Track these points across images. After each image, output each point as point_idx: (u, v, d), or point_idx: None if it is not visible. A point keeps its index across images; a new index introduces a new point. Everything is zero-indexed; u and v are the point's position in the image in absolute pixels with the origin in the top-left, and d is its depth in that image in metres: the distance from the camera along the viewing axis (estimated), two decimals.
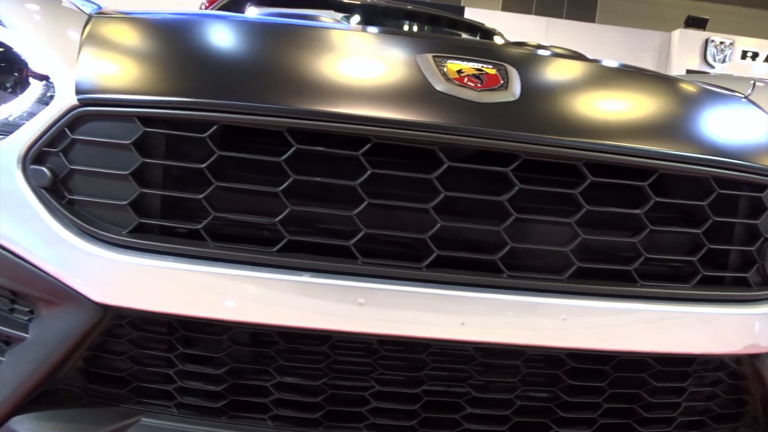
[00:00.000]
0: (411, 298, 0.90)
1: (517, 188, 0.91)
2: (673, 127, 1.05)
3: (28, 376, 0.95)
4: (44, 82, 1.01)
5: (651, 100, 1.14)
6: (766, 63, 12.14)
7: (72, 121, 0.91)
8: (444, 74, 0.96)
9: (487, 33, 3.17)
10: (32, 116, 1.00)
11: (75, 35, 1.05)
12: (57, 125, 0.91)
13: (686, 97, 1.18)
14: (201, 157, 0.90)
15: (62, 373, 0.96)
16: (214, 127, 0.88)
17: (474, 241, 0.93)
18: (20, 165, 0.93)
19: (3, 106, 1.04)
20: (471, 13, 9.60)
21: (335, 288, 0.89)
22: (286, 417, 0.97)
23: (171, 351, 0.96)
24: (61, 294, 0.92)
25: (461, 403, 0.99)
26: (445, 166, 0.89)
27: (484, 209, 0.92)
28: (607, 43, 11.32)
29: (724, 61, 12.16)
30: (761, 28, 13.03)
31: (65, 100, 0.92)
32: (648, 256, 0.96)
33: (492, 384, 1.00)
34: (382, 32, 1.25)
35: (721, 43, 12.06)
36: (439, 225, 0.90)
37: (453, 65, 0.99)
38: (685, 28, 12.18)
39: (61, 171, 0.91)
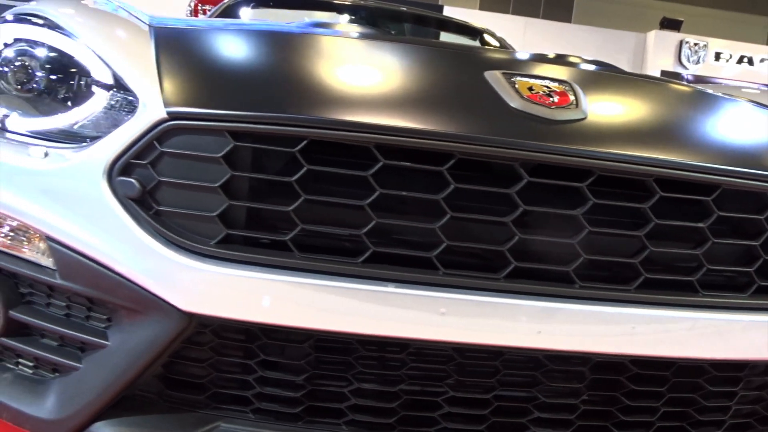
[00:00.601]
0: (490, 308, 0.93)
1: (591, 203, 0.95)
2: (733, 144, 1.10)
3: (110, 382, 0.97)
4: (111, 91, 1.03)
5: (710, 117, 1.19)
6: (738, 65, 12.40)
7: (161, 134, 0.92)
8: (517, 91, 1.00)
9: (477, 32, 3.22)
10: (99, 125, 1.02)
11: (146, 46, 1.07)
12: (146, 138, 0.93)
13: (741, 115, 1.23)
14: (286, 169, 0.92)
15: (142, 379, 0.98)
16: (304, 142, 0.90)
17: (549, 253, 0.97)
18: (106, 176, 0.94)
19: (64, 114, 1.05)
20: (449, 12, 9.64)
21: (419, 298, 0.92)
22: (361, 422, 1.00)
23: (251, 358, 0.99)
24: (146, 302, 0.94)
25: (530, 407, 1.03)
26: (525, 181, 0.93)
27: (559, 222, 0.96)
28: (583, 43, 11.45)
29: (698, 62, 12.39)
30: (734, 30, 13.31)
31: (153, 113, 0.94)
32: (710, 267, 1.01)
33: (560, 389, 1.04)
34: (449, 49, 1.28)
35: (696, 44, 12.28)
36: (517, 238, 0.93)
37: (523, 82, 1.02)
38: (660, 29, 12.38)
39: (148, 182, 0.93)
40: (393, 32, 3.20)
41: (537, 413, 1.03)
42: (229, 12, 3.04)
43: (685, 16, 12.90)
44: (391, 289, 0.91)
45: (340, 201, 0.92)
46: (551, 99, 1.00)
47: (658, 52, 12.34)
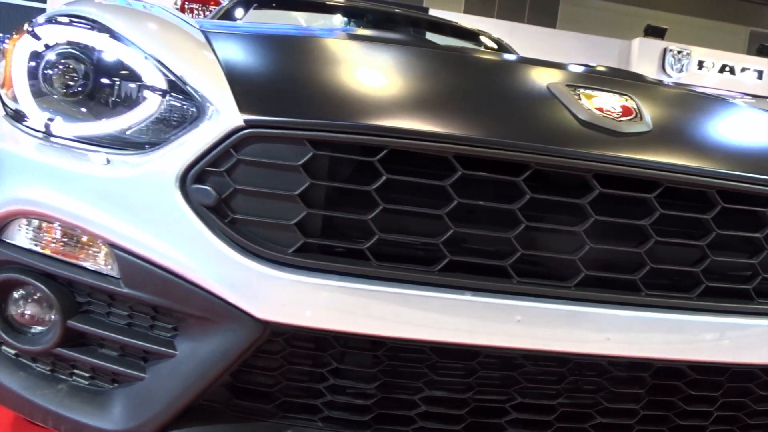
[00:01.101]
0: (563, 316, 0.95)
1: (658, 213, 0.97)
2: None
3: (180, 392, 0.97)
4: (168, 97, 1.02)
5: (765, 131, 1.22)
6: (720, 74, 12.59)
7: (238, 142, 0.93)
8: (583, 103, 1.02)
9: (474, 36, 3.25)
10: (157, 131, 1.02)
11: (206, 52, 1.07)
12: (222, 146, 0.93)
13: None
14: (364, 178, 0.93)
15: (212, 389, 0.98)
16: (384, 151, 0.91)
17: (616, 262, 0.98)
18: (179, 184, 0.94)
19: (114, 119, 1.05)
20: (434, 14, 9.69)
21: (495, 306, 0.93)
22: (430, 429, 1.01)
23: (323, 366, 0.99)
24: (220, 311, 0.94)
25: (592, 413, 1.04)
26: (597, 192, 0.94)
27: (625, 232, 0.98)
28: (568, 49, 11.57)
29: (681, 70, 12.57)
30: (716, 39, 13.51)
31: (228, 121, 0.94)
32: (764, 276, 1.03)
33: (620, 395, 1.05)
34: (509, 60, 1.30)
35: (679, 52, 12.45)
36: (588, 247, 0.95)
37: (587, 94, 1.04)
38: (644, 36, 12.54)
39: (224, 190, 0.93)
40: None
41: (600, 419, 1.04)
42: (231, 12, 3.03)
43: (669, 24, 13.08)
44: (468, 297, 0.93)
45: (418, 210, 0.93)
46: (616, 111, 1.02)
47: (642, 59, 12.50)
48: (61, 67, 1.10)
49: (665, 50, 12.41)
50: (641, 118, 1.03)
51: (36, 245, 1.05)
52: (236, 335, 0.95)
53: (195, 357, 0.97)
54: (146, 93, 1.04)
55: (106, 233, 0.98)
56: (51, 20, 1.15)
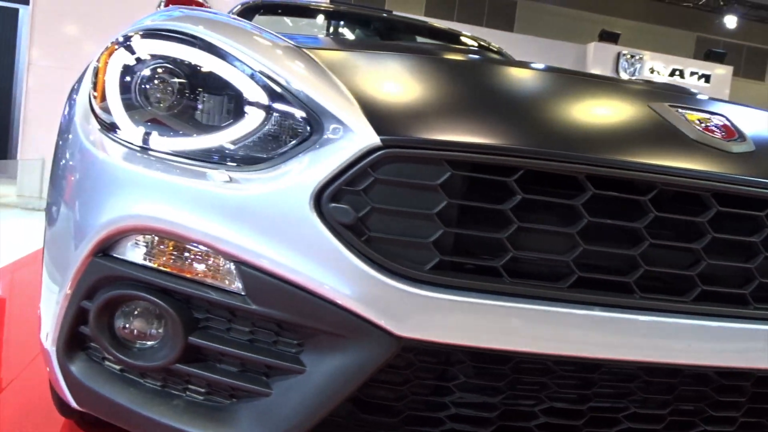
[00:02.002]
0: (680, 330, 0.99)
1: None
2: None
3: (314, 408, 0.97)
4: (274, 114, 1.03)
5: None
6: (670, 77, 13.01)
7: (376, 161, 0.94)
8: (691, 124, 1.06)
9: (496, 53, 3.31)
10: (267, 147, 1.03)
11: (318, 69, 1.08)
12: (359, 165, 0.94)
13: None
14: (498, 197, 0.95)
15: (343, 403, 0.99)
16: (521, 172, 0.94)
17: (728, 278, 1.03)
18: (313, 202, 0.95)
19: (219, 134, 1.06)
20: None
21: (623, 321, 0.97)
22: None
23: (449, 380, 1.01)
24: (354, 327, 0.95)
25: (697, 421, 1.09)
26: (715, 210, 0.99)
27: (738, 249, 1.03)
28: (525, 52, 11.75)
29: (634, 74, 12.95)
30: (665, 44, 13.95)
31: (363, 140, 0.95)
32: None
33: (723, 404, 1.10)
34: (615, 81, 1.34)
35: (632, 56, 12.82)
36: (705, 263, 1.00)
37: (691, 115, 1.09)
38: (599, 41, 12.87)
39: (360, 209, 0.95)
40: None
41: (703, 426, 1.09)
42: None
43: (622, 29, 13.45)
44: (597, 312, 0.96)
45: (551, 229, 0.96)
46: (719, 131, 1.07)
47: (597, 62, 12.82)
48: (159, 81, 1.10)
49: (619, 54, 12.77)
50: (744, 139, 1.08)
51: (151, 261, 1.04)
52: (370, 351, 0.96)
53: (327, 373, 0.98)
54: (253, 109, 1.04)
55: (232, 249, 0.98)
56: (149, 34, 1.15)
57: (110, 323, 1.08)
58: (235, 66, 1.09)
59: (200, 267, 1.03)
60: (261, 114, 1.05)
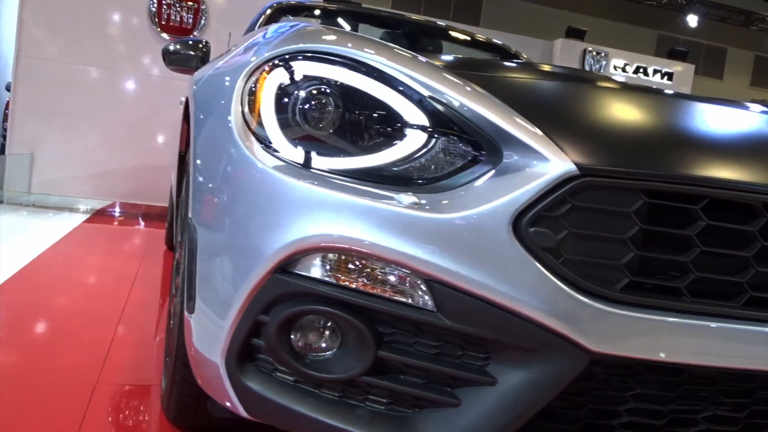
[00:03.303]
0: None
1: None
2: None
3: (510, 418, 1.04)
4: (441, 138, 1.10)
5: None
6: (634, 74, 13.36)
7: (575, 189, 1.01)
8: None
9: (513, 56, 3.40)
10: (437, 172, 1.09)
11: (486, 94, 1.14)
12: (558, 192, 1.01)
13: None
14: (681, 223, 1.03)
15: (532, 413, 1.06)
16: (706, 200, 1.02)
17: None
18: (511, 226, 1.01)
19: (378, 155, 1.12)
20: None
21: None
22: None
23: (626, 390, 1.09)
24: (549, 342, 1.02)
25: None
26: None
27: None
28: None
29: (599, 70, 13.24)
30: (627, 41, 14.30)
31: (558, 168, 1.02)
32: None
33: None
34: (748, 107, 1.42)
35: (598, 53, 13.10)
36: None
37: None
38: (565, 38, 13.10)
39: (559, 233, 1.01)
40: (429, 48, 3.31)
41: None
42: (270, 23, 3.04)
43: (586, 25, 13.71)
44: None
45: (728, 252, 1.04)
46: None
47: (564, 59, 13.04)
48: (313, 103, 1.14)
49: (585, 51, 13.03)
50: None
51: (335, 278, 1.09)
52: (563, 365, 1.03)
53: (518, 385, 1.04)
54: (425, 133, 1.10)
55: (425, 268, 1.03)
56: (312, 57, 1.19)
57: (288, 336, 1.13)
58: (403, 90, 1.14)
59: (386, 284, 1.08)
60: (435, 138, 1.11)
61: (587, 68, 13.15)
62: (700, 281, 1.05)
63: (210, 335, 1.21)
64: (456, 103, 1.11)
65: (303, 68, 1.20)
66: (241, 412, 1.19)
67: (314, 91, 1.17)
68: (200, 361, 1.26)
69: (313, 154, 1.15)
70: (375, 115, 1.14)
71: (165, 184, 5.07)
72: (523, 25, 14.18)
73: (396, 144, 1.13)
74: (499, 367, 1.06)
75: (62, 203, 5.76)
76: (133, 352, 2.20)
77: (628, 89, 1.38)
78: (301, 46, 1.23)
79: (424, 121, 1.12)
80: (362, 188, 1.08)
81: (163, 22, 6.13)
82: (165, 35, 6.13)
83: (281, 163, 1.14)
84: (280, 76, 1.21)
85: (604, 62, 13.17)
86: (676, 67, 13.21)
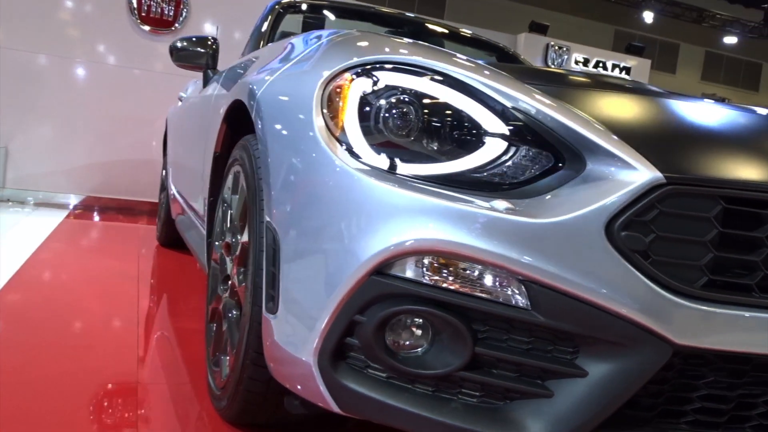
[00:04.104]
0: None
1: None
2: None
3: (600, 408, 1.13)
4: (521, 147, 1.18)
5: None
6: (594, 69, 13.64)
7: (662, 196, 1.10)
8: None
9: (512, 57, 3.50)
10: (514, 178, 1.18)
11: (566, 104, 1.23)
12: (647, 199, 1.10)
13: None
14: (748, 226, 1.14)
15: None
16: None
17: None
18: (604, 230, 1.10)
19: (459, 161, 1.20)
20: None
21: None
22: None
23: (699, 378, 1.19)
24: (636, 336, 1.11)
25: None
26: None
27: None
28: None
29: (561, 64, 13.49)
30: (586, 36, 14.59)
31: (646, 176, 1.11)
32: None
33: None
34: None
35: (560, 48, 13.35)
36: None
37: None
38: (529, 32, 13.32)
39: (647, 236, 1.10)
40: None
41: None
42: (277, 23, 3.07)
43: (548, 20, 13.95)
44: None
45: None
46: None
47: (527, 53, 13.23)
48: (402, 110, 1.22)
49: (548, 45, 13.26)
50: None
51: (433, 280, 1.16)
52: (649, 357, 1.12)
53: (607, 377, 1.13)
54: (500, 141, 1.20)
55: (521, 269, 1.10)
56: (396, 68, 1.26)
57: (383, 335, 1.19)
58: (485, 101, 1.22)
59: (480, 284, 1.15)
60: (517, 146, 1.20)
61: (549, 62, 13.39)
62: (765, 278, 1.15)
63: (298, 335, 1.27)
64: (538, 114, 1.19)
65: (387, 78, 1.26)
66: (333, 407, 1.25)
67: (398, 100, 1.24)
68: (285, 360, 1.31)
69: (398, 161, 1.22)
70: (457, 123, 1.22)
71: (145, 180, 5.04)
72: (487, 19, 14.33)
73: (479, 151, 1.21)
74: (588, 360, 1.15)
75: (39, 198, 5.67)
76: (161, 353, 2.23)
77: (691, 101, 1.48)
78: (382, 56, 1.29)
79: (506, 130, 1.20)
80: (454, 194, 1.15)
81: (143, 14, 6.06)
82: (145, 27, 6.07)
83: (369, 169, 1.21)
84: (363, 84, 1.28)
85: (565, 56, 13.43)
86: (633, 61, 13.55)
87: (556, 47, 13.31)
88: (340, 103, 1.29)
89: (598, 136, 1.16)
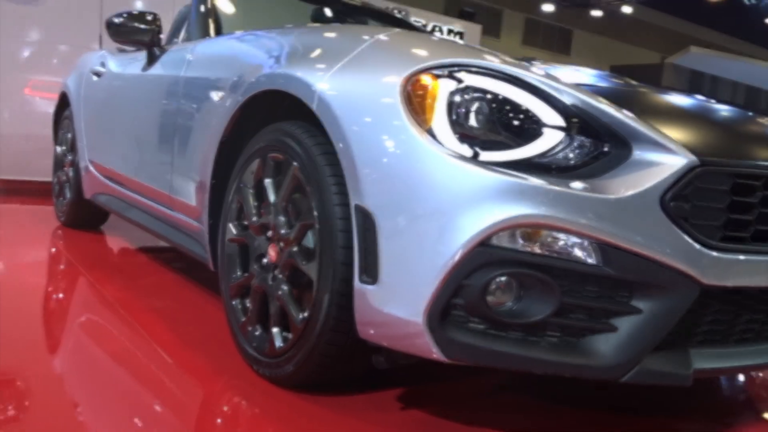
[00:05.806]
0: None
1: None
2: None
3: (653, 337, 1.49)
4: (591, 140, 1.52)
5: None
6: (432, 32, 14.26)
7: (698, 175, 1.47)
8: None
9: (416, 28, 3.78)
10: (569, 161, 1.51)
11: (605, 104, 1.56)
12: (688, 177, 1.46)
13: None
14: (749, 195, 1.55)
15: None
16: (765, 179, 1.54)
17: None
18: (659, 202, 1.45)
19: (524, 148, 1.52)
20: None
21: None
22: None
23: (727, 313, 1.61)
24: (677, 280, 1.48)
25: None
26: None
27: None
28: None
29: None
30: (423, 1, 15.19)
31: (683, 160, 1.47)
32: None
33: None
34: None
35: (400, 12, 13.77)
36: None
37: None
38: None
39: (687, 204, 1.47)
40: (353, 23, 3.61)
41: None
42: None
43: None
44: None
45: None
46: None
47: None
48: (476, 109, 1.50)
49: (389, 9, 13.63)
50: None
51: (528, 247, 1.45)
52: (686, 295, 1.49)
53: (656, 312, 1.49)
54: (559, 133, 1.51)
55: (598, 234, 1.43)
56: (480, 71, 1.53)
57: (485, 294, 1.47)
58: (548, 99, 1.52)
59: (565, 248, 1.46)
60: (574, 136, 1.51)
61: None
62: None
63: (405, 299, 1.51)
64: (593, 109, 1.51)
65: (468, 79, 1.53)
66: (441, 358, 1.51)
67: (478, 98, 1.51)
68: (387, 323, 1.55)
69: (480, 150, 1.49)
70: (525, 117, 1.51)
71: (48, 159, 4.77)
72: None
73: (543, 140, 1.51)
74: (641, 301, 1.50)
75: None
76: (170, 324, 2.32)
77: (705, 100, 1.88)
78: (458, 60, 1.56)
79: (565, 122, 1.51)
80: (537, 178, 1.45)
81: None
82: None
83: (461, 156, 1.47)
84: (448, 84, 1.53)
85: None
86: (465, 26, 14.38)
87: (397, 11, 13.71)
88: (428, 100, 1.52)
89: (646, 128, 1.50)
